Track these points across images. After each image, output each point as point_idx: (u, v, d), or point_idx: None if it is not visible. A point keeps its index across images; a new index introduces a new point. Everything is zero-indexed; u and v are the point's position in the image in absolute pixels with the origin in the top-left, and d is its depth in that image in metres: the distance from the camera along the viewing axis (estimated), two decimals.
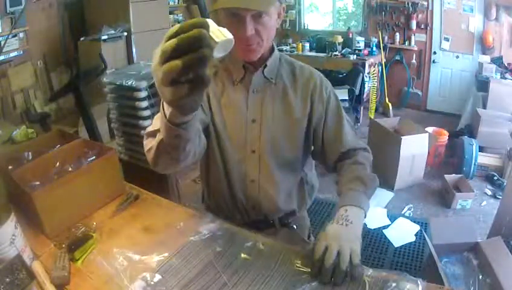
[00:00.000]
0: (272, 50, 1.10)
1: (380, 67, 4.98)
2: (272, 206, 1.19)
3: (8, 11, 3.17)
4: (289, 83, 1.12)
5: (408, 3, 4.69)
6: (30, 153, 1.35)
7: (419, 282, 0.84)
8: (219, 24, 0.63)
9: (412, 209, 2.98)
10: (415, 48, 4.87)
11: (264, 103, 1.10)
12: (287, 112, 1.11)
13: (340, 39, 4.91)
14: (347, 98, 4.23)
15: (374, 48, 4.85)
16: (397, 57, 5.03)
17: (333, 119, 1.14)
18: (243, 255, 0.97)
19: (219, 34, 0.57)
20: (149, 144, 0.89)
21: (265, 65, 1.08)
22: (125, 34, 3.62)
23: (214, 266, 0.93)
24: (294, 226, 1.25)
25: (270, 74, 1.09)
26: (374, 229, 2.71)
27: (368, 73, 4.66)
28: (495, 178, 3.22)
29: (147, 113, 2.40)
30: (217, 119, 1.11)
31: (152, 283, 0.89)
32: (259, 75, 1.08)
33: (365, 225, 2.77)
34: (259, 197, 1.17)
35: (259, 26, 0.97)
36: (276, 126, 1.10)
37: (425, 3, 4.62)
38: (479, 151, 3.30)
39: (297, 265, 0.93)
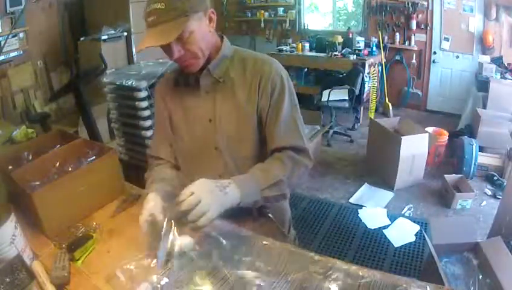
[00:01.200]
0: (218, 50, 1.13)
1: (380, 67, 4.98)
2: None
3: (8, 11, 3.18)
4: (238, 80, 1.13)
5: (408, 3, 4.69)
6: (30, 153, 1.35)
7: (428, 288, 0.84)
8: None
9: (412, 209, 2.98)
10: (415, 48, 4.87)
11: (216, 103, 1.13)
12: (236, 110, 1.12)
13: (340, 39, 4.91)
14: (347, 98, 4.24)
15: (374, 48, 4.85)
16: (397, 57, 5.03)
17: (272, 114, 1.13)
18: (250, 257, 0.97)
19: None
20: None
21: (208, 68, 1.11)
22: (125, 34, 3.62)
23: (221, 268, 0.93)
24: (270, 215, 1.24)
25: (218, 74, 1.13)
26: (374, 229, 2.71)
27: (368, 73, 4.66)
28: (495, 178, 3.22)
29: (147, 113, 2.40)
30: (179, 123, 1.19)
31: (159, 285, 0.89)
32: (205, 76, 1.12)
33: (365, 225, 2.77)
34: None
35: (186, 44, 1.02)
36: (229, 125, 1.13)
37: (425, 3, 4.62)
38: (479, 151, 3.30)
39: (310, 269, 0.92)
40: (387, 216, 2.84)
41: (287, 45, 5.47)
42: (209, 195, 0.92)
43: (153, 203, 1.03)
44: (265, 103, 1.12)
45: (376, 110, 4.98)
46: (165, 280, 0.90)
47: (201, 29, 1.04)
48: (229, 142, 1.14)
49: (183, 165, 1.25)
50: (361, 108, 4.69)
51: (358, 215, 2.89)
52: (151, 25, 1.01)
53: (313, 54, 5.10)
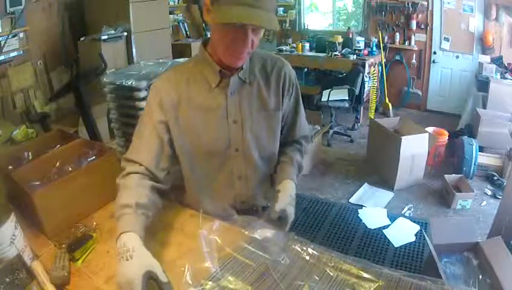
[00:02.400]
0: None
1: (380, 67, 4.98)
2: (261, 198, 1.28)
3: (8, 11, 3.17)
4: (262, 79, 1.16)
5: (408, 3, 4.69)
6: (30, 153, 1.35)
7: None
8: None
9: (412, 209, 2.98)
10: (415, 48, 4.87)
11: (242, 104, 1.13)
12: (263, 107, 1.16)
13: (340, 39, 4.92)
14: (347, 98, 4.24)
15: (374, 48, 4.86)
16: (397, 57, 5.03)
17: (293, 111, 1.25)
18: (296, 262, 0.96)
19: None
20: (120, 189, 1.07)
21: (242, 68, 1.10)
22: (125, 34, 3.62)
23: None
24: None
25: (244, 75, 1.12)
26: (374, 229, 2.71)
27: (368, 73, 4.66)
28: (495, 178, 3.22)
29: None
30: (197, 123, 1.12)
31: None
32: (236, 78, 1.10)
33: (365, 225, 2.77)
34: (248, 192, 1.23)
35: (255, 38, 1.00)
36: (257, 123, 1.15)
37: (425, 3, 4.62)
38: (479, 151, 3.30)
39: (356, 279, 0.92)
40: (387, 216, 2.84)
41: (287, 45, 5.48)
42: (291, 210, 1.14)
43: (146, 256, 0.88)
44: (288, 101, 1.21)
45: (376, 110, 4.98)
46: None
47: None
48: (256, 140, 1.16)
49: (196, 166, 1.18)
50: (361, 108, 4.69)
51: (358, 215, 2.89)
52: (253, 5, 0.92)
53: (313, 54, 5.10)
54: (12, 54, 3.33)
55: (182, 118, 1.11)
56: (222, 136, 1.13)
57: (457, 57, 4.66)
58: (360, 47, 4.80)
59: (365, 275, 0.92)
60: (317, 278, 0.92)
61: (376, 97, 4.93)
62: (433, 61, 4.84)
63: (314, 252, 1.00)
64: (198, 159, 1.17)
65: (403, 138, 3.08)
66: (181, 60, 2.86)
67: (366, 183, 3.34)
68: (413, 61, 4.94)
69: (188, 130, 1.13)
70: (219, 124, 1.12)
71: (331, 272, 0.94)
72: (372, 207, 2.98)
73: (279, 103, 1.18)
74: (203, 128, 1.12)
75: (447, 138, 3.56)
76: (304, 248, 1.01)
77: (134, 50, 3.71)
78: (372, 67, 4.74)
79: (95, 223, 1.16)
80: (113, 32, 3.53)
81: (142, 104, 2.37)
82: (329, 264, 0.97)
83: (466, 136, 3.45)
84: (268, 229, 1.07)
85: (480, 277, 1.66)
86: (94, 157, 1.31)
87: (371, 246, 2.55)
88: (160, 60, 2.87)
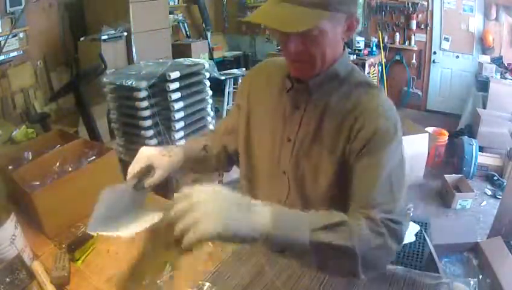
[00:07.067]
0: (333, 64, 0.89)
1: (380, 67, 4.98)
2: None
3: (8, 11, 3.18)
4: (335, 106, 0.90)
5: (408, 3, 4.69)
6: (30, 153, 1.35)
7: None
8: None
9: (412, 209, 2.97)
10: (415, 48, 4.87)
11: (302, 123, 0.93)
12: (318, 139, 0.91)
13: None
14: None
15: (374, 48, 4.85)
16: (397, 57, 5.03)
17: (366, 166, 0.85)
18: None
19: None
20: None
21: (314, 77, 0.89)
22: (125, 34, 3.62)
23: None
24: None
25: (316, 91, 0.91)
26: None
27: (368, 73, 4.66)
28: (495, 178, 3.22)
29: (147, 113, 2.40)
30: (254, 130, 1.03)
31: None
32: (302, 90, 0.92)
33: None
34: None
35: (309, 43, 0.80)
36: (305, 152, 0.93)
37: (425, 3, 4.62)
38: (479, 151, 3.30)
39: None
40: None
41: None
42: (210, 203, 0.64)
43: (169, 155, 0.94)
44: (358, 147, 0.86)
45: None
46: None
47: (335, 34, 0.82)
48: (302, 172, 0.94)
49: (245, 180, 1.08)
50: None
51: None
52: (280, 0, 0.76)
53: None
54: (12, 54, 3.33)
55: (251, 117, 1.04)
56: (273, 152, 0.98)
57: (457, 57, 4.66)
58: (360, 47, 4.79)
59: None
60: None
61: None
62: (433, 61, 4.84)
63: None
64: (249, 171, 1.06)
65: (403, 138, 3.07)
66: (181, 60, 2.86)
67: None
68: (413, 61, 4.93)
69: (249, 135, 1.04)
70: (274, 138, 0.97)
71: None
72: None
73: (342, 142, 0.88)
74: (259, 138, 1.01)
75: (447, 138, 3.56)
76: None
77: (134, 50, 3.72)
78: (372, 67, 4.74)
79: None
80: (113, 32, 3.54)
81: (142, 104, 2.38)
82: None
83: (466, 136, 3.45)
84: None
85: (480, 276, 1.66)
86: (94, 157, 1.31)
87: None
88: (160, 60, 2.88)
